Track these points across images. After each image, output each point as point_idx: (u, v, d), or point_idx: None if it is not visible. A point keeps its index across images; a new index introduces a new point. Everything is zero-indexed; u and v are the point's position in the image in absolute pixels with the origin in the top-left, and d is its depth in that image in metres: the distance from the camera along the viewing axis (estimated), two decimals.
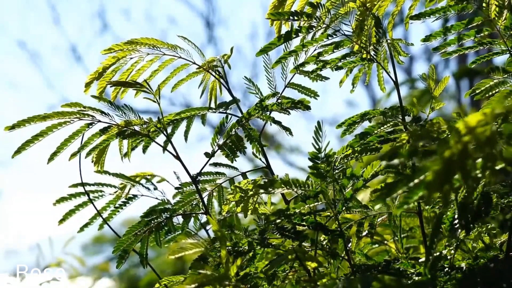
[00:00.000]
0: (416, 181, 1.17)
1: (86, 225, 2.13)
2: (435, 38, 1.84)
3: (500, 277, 1.63)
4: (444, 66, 8.60)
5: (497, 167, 1.22)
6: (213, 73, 2.09)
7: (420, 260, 1.87)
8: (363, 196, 2.59)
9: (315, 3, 1.80)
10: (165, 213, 1.99)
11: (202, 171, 2.05)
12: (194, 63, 2.08)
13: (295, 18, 1.80)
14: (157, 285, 1.94)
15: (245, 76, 2.04)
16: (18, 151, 1.90)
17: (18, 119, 1.87)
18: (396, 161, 1.24)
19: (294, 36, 1.84)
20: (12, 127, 1.88)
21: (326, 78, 2.00)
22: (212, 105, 2.14)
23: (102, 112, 1.94)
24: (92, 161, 2.01)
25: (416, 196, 1.17)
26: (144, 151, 2.08)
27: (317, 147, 1.79)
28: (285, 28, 1.92)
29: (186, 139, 2.12)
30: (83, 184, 2.08)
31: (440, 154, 1.14)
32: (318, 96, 2.05)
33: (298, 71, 1.98)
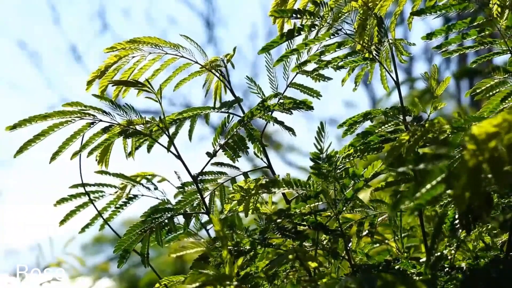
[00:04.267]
0: (428, 186, 1.16)
1: (87, 226, 2.12)
2: (436, 36, 1.83)
3: (500, 277, 1.64)
4: (444, 66, 8.60)
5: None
6: (216, 73, 2.09)
7: (420, 260, 1.87)
8: (364, 196, 2.59)
9: (318, 1, 1.80)
10: (166, 213, 1.99)
11: (203, 170, 2.05)
12: (197, 62, 2.08)
13: (298, 16, 1.80)
14: (157, 285, 1.94)
15: (247, 76, 2.04)
16: (20, 150, 1.90)
17: (18, 119, 1.87)
18: (402, 168, 1.23)
19: (296, 34, 1.84)
20: (13, 127, 1.87)
21: (329, 79, 1.99)
22: (217, 105, 2.14)
23: (103, 112, 1.93)
24: (96, 160, 2.00)
25: (425, 201, 1.16)
26: (148, 151, 2.08)
27: (319, 147, 1.80)
28: (287, 27, 1.92)
29: (190, 138, 2.12)
30: (83, 185, 2.08)
31: (462, 161, 1.11)
32: (321, 96, 2.05)
33: (300, 71, 1.98)
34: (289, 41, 1.88)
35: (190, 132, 2.12)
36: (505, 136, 1.13)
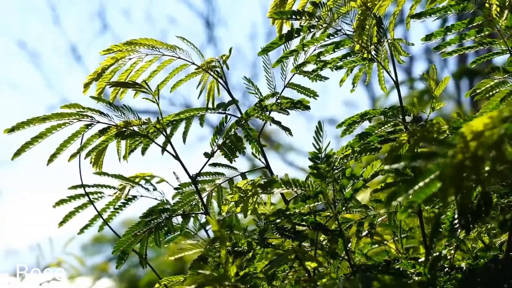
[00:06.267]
0: (421, 184, 1.16)
1: (86, 227, 2.12)
2: (435, 38, 1.83)
3: (500, 277, 1.63)
4: (444, 66, 8.60)
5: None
6: (212, 74, 2.09)
7: (420, 260, 1.87)
8: (363, 196, 2.59)
9: (317, 2, 1.80)
10: (165, 214, 1.99)
11: (202, 171, 2.05)
12: (193, 63, 2.07)
13: (297, 17, 1.80)
14: (157, 285, 1.94)
15: (244, 76, 2.04)
16: (18, 153, 1.90)
17: (18, 120, 1.87)
18: (398, 165, 1.23)
19: (295, 35, 1.83)
20: (12, 130, 1.87)
21: (326, 78, 2.00)
22: (210, 106, 2.14)
23: (101, 113, 1.93)
24: (91, 162, 2.00)
25: (421, 199, 1.16)
26: (143, 153, 2.08)
27: (317, 147, 1.79)
28: (286, 27, 1.92)
29: (184, 140, 2.12)
30: (83, 186, 2.07)
31: (450, 158, 1.13)
32: (318, 96, 2.05)
33: (298, 71, 1.98)
34: (287, 42, 1.88)
35: (185, 134, 2.12)
36: (487, 134, 1.15)
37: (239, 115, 2.04)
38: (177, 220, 2.04)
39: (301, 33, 1.84)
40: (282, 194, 1.96)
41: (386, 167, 1.20)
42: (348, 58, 1.88)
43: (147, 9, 20.23)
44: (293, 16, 1.80)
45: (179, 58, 2.06)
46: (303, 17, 1.79)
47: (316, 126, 1.79)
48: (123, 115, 1.94)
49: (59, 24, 17.92)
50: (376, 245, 2.16)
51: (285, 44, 1.88)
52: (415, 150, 1.54)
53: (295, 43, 1.89)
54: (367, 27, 1.83)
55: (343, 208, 1.81)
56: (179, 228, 2.03)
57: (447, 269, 1.74)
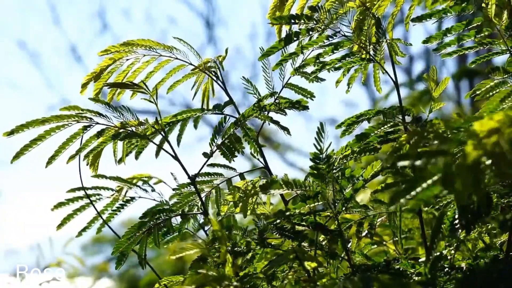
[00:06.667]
0: (429, 182, 1.16)
1: (84, 229, 2.12)
2: (435, 40, 1.84)
3: (500, 277, 1.63)
4: (444, 66, 8.60)
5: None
6: (209, 74, 2.09)
7: (420, 260, 1.87)
8: (363, 197, 2.59)
9: (315, 6, 1.80)
10: (163, 214, 1.99)
11: (200, 171, 2.05)
12: (190, 64, 2.07)
13: (295, 21, 1.80)
14: (157, 285, 1.94)
15: (243, 77, 2.04)
16: (17, 156, 1.90)
17: (17, 120, 1.87)
18: (401, 163, 1.23)
19: (294, 39, 1.84)
20: (11, 133, 1.87)
21: (322, 80, 1.99)
22: (205, 106, 2.14)
23: (100, 114, 1.93)
24: (87, 164, 2.00)
25: (426, 197, 1.16)
26: (136, 157, 2.08)
27: (318, 148, 1.79)
28: (285, 29, 1.92)
29: (178, 142, 2.11)
30: (83, 188, 2.07)
31: (463, 157, 1.13)
32: (314, 97, 2.05)
33: (297, 73, 1.98)
34: (286, 46, 1.89)
35: (179, 136, 2.11)
36: (506, 131, 1.14)
37: (237, 115, 2.04)
38: (176, 220, 2.04)
39: (300, 36, 1.84)
40: (281, 194, 1.96)
41: (389, 170, 1.20)
42: (347, 59, 1.88)
43: (147, 9, 20.26)
44: (291, 20, 1.80)
45: (176, 58, 2.06)
46: (302, 21, 1.80)
47: (318, 127, 1.79)
48: (121, 116, 1.94)
49: (59, 24, 17.94)
50: (376, 246, 2.16)
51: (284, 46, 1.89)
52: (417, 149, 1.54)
53: (294, 44, 1.89)
54: (366, 27, 1.84)
55: (343, 208, 1.81)
56: (178, 229, 2.03)
57: (447, 269, 1.74)
